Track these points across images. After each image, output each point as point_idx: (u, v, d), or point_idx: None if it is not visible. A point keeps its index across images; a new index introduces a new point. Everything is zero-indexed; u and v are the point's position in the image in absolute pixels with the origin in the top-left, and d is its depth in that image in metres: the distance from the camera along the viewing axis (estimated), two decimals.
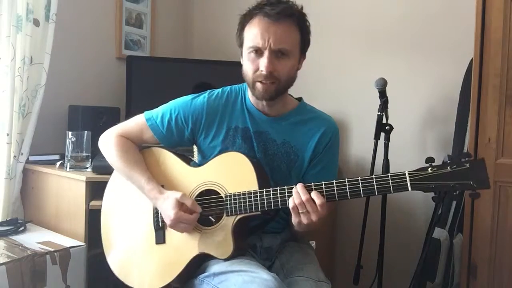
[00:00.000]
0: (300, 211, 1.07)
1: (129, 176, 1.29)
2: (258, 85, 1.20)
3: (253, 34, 1.18)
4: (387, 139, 1.82)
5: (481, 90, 1.60)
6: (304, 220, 1.08)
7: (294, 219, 1.10)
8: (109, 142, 1.33)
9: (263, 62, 1.17)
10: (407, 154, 2.10)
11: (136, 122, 1.34)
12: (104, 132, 1.37)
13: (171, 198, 1.19)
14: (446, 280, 1.82)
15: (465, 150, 1.79)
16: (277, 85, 1.20)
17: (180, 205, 1.18)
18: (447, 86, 2.00)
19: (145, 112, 1.35)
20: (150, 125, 1.32)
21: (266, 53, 1.16)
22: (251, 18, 1.20)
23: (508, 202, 1.57)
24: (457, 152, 1.84)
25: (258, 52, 1.18)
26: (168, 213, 1.18)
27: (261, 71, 1.17)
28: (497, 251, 1.59)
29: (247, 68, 1.21)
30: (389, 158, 1.81)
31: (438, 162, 1.04)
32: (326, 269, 1.26)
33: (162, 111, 1.32)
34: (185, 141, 1.34)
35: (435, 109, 2.06)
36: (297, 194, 1.08)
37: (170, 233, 1.25)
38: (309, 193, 1.07)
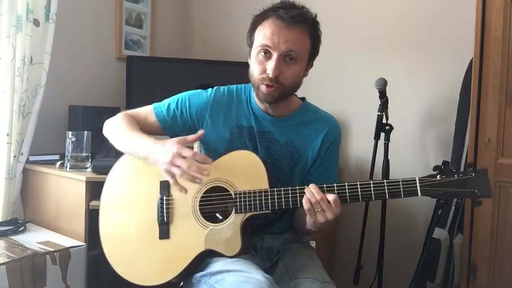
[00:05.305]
0: (315, 210, 1.09)
1: (131, 136, 1.24)
2: (262, 87, 1.20)
3: (264, 34, 1.17)
4: (387, 139, 1.82)
5: (481, 90, 1.60)
6: (321, 218, 1.09)
7: (309, 219, 1.12)
8: (115, 118, 1.34)
9: (270, 65, 1.16)
10: (407, 154, 2.09)
11: (143, 109, 1.37)
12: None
13: (175, 138, 1.15)
14: (446, 280, 1.82)
15: (465, 150, 1.80)
16: (281, 91, 1.20)
17: (184, 144, 1.14)
18: (447, 86, 2.00)
19: (153, 104, 1.37)
20: (156, 112, 1.34)
21: (274, 56, 1.16)
22: (263, 19, 1.19)
23: (508, 202, 1.57)
24: (457, 152, 1.84)
25: (267, 53, 1.18)
26: (171, 148, 1.11)
27: (268, 74, 1.17)
28: (497, 251, 1.59)
29: (254, 69, 1.21)
30: (389, 158, 1.81)
31: (437, 163, 1.05)
32: (326, 269, 1.25)
33: (169, 101, 1.35)
34: (187, 131, 1.31)
35: (435, 109, 2.06)
36: (311, 194, 1.09)
37: (174, 228, 1.23)
38: (323, 193, 1.09)
